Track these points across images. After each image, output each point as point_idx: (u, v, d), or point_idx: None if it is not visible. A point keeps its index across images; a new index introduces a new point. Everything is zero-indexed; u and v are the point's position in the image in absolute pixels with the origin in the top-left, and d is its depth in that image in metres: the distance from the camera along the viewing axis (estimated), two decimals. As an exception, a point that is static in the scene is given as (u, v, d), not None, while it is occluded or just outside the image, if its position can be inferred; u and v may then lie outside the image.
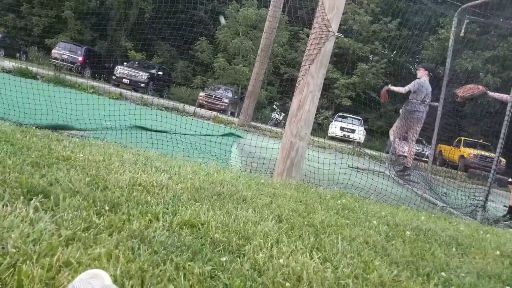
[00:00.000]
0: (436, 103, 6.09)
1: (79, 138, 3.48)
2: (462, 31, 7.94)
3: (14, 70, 9.87)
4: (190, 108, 12.23)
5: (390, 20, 25.08)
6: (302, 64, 4.30)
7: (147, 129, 5.51)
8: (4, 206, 1.52)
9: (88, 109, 5.46)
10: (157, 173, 2.57)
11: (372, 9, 25.75)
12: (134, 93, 12.71)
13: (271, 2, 11.27)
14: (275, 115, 20.53)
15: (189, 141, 5.36)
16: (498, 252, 2.43)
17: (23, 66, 10.17)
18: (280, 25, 21.27)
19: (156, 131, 5.52)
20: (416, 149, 16.61)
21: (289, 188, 3.14)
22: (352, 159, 7.44)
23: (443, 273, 1.83)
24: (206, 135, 6.41)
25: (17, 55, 20.29)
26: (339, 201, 2.96)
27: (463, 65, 19.57)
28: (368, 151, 12.58)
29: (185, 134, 5.92)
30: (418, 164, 7.24)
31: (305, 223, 2.19)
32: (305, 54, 4.30)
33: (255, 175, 3.69)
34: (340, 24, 4.32)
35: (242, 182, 2.99)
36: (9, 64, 10.57)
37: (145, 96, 12.02)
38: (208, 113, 12.55)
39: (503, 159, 13.63)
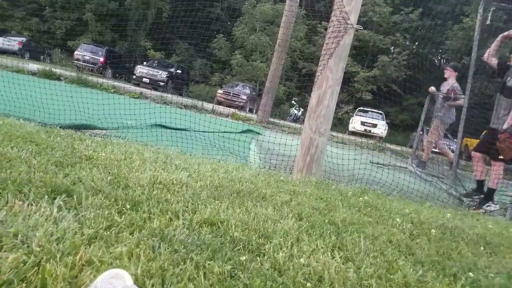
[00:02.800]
0: (462, 96, 5.91)
1: (101, 137, 3.54)
2: (489, 19, 7.65)
3: (39, 72, 10.16)
4: (208, 106, 12.30)
5: (411, 10, 24.46)
6: (320, 59, 4.23)
7: (167, 127, 5.57)
8: (29, 205, 1.55)
9: (110, 109, 5.56)
10: (177, 171, 2.59)
11: (392, -1, 25.21)
12: (154, 92, 12.87)
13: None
14: (293, 110, 20.41)
15: (208, 138, 5.38)
16: (529, 251, 2.33)
17: (47, 68, 10.45)
18: (297, 19, 21.08)
19: (175, 129, 5.57)
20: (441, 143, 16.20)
21: (309, 185, 3.10)
22: (373, 154, 7.31)
23: (470, 273, 1.77)
24: (224, 132, 6.43)
25: (42, 57, 20.86)
26: (360, 198, 2.90)
27: (489, 55, 18.85)
28: (390, 146, 12.35)
29: (204, 131, 5.95)
30: (443, 158, 7.07)
31: (326, 221, 2.15)
32: (323, 48, 4.23)
33: (274, 172, 3.67)
34: (360, 16, 4.22)
35: (261, 179, 2.97)
36: (34, 66, 10.89)
37: (165, 95, 12.16)
38: (226, 110, 12.59)
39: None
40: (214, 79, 25.05)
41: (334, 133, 10.65)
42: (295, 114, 20.00)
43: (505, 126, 4.04)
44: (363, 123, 18.77)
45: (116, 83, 12.06)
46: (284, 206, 2.31)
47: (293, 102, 21.04)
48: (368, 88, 23.68)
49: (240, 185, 2.58)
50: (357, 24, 4.03)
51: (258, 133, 7.81)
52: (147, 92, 12.04)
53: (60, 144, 2.55)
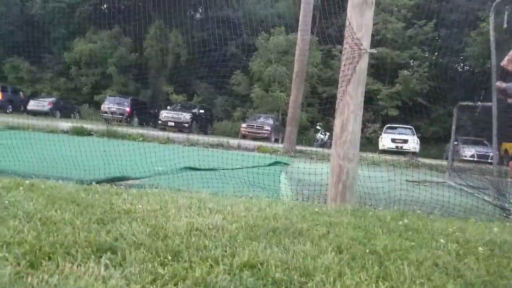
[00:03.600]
0: (488, 103, 5.74)
1: (136, 188, 3.66)
2: (505, 22, 7.53)
3: (71, 130, 10.71)
4: (234, 142, 12.47)
5: (425, 22, 24.40)
6: (339, 86, 4.28)
7: (196, 169, 5.68)
8: (78, 267, 1.62)
9: (141, 157, 5.75)
10: (212, 215, 2.63)
11: (403, 14, 25.24)
12: (180, 135, 13.21)
13: (299, 27, 11.46)
14: (319, 135, 20.32)
15: (237, 175, 5.43)
16: None
17: (78, 125, 11.01)
18: (311, 46, 21.43)
19: (205, 169, 5.67)
20: (478, 151, 15.54)
21: (345, 215, 3.06)
22: (407, 173, 7.11)
23: (528, 292, 1.68)
24: (253, 167, 6.48)
25: (71, 115, 21.91)
26: (400, 222, 2.83)
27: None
28: (425, 160, 11.98)
29: (232, 169, 6.02)
30: (484, 168, 6.76)
31: (367, 251, 2.11)
32: (340, 75, 4.29)
33: (308, 204, 3.65)
34: (373, 35, 4.27)
35: (295, 213, 2.96)
36: (65, 125, 11.50)
37: (191, 137, 12.46)
38: (252, 144, 12.71)
39: None
40: (236, 114, 25.52)
41: (364, 154, 10.43)
42: (322, 139, 19.89)
43: None
44: (393, 140, 18.37)
45: (144, 131, 12.50)
46: (322, 240, 2.29)
47: (317, 127, 20.99)
48: (393, 104, 23.43)
49: (275, 222, 2.59)
50: (371, 43, 4.08)
51: (287, 164, 7.81)
52: (174, 136, 12.38)
53: (99, 201, 2.66)
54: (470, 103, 6.33)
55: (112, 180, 4.12)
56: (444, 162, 11.06)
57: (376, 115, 24.06)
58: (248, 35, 26.09)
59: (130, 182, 4.31)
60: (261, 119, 20.66)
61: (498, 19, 7.21)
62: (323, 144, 19.11)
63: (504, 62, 4.96)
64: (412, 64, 25.02)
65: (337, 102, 4.28)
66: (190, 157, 6.47)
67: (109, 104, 20.57)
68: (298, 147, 12.47)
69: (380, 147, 18.52)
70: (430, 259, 2.04)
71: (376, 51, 4.46)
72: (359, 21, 4.09)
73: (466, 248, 2.31)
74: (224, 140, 12.30)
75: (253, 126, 19.48)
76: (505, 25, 7.53)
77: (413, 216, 3.18)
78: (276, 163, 7.71)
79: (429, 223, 2.91)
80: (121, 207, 2.55)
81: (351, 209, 3.33)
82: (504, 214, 4.05)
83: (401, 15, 25.16)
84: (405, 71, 23.60)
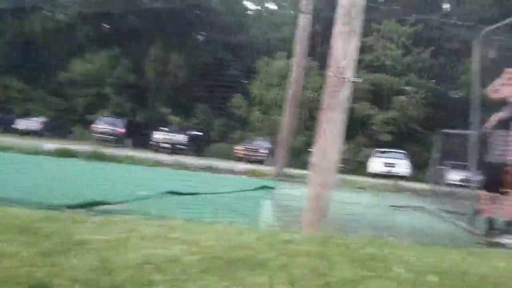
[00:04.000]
0: (466, 131, 5.76)
1: (108, 214, 3.59)
2: (491, 53, 7.68)
3: (56, 151, 10.32)
4: (226, 165, 12.39)
5: (422, 49, 24.81)
6: (320, 113, 4.29)
7: (178, 194, 5.60)
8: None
9: (123, 181, 5.70)
10: (175, 245, 2.55)
11: (402, 42, 25.57)
12: (170, 157, 12.98)
13: (296, 52, 11.65)
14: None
15: (219, 200, 5.37)
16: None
17: (64, 147, 10.66)
18: (311, 71, 21.62)
19: (186, 194, 5.59)
20: (462, 176, 15.28)
21: (315, 243, 2.99)
22: (391, 197, 7.02)
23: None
24: (237, 191, 6.40)
25: (62, 135, 21.43)
26: (365, 250, 2.77)
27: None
28: (412, 184, 11.91)
29: (215, 193, 5.94)
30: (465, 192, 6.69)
31: (321, 283, 2.05)
32: (323, 102, 4.30)
33: (283, 231, 3.57)
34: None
35: (264, 242, 2.89)
36: (52, 146, 11.17)
37: (181, 159, 12.33)
38: (242, 167, 12.63)
39: None
40: (234, 136, 25.51)
41: (353, 177, 10.38)
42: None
43: None
44: (383, 164, 18.36)
45: (134, 153, 12.41)
46: (281, 271, 2.22)
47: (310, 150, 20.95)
48: (388, 130, 23.51)
49: (240, 252, 2.52)
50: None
51: (272, 188, 7.73)
52: (163, 158, 12.23)
53: (57, 230, 2.59)
54: (451, 131, 6.35)
55: (86, 206, 4.05)
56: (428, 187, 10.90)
57: (369, 140, 24.08)
58: (249, 58, 26.43)
59: (105, 207, 4.23)
60: (257, 142, 20.72)
61: (484, 51, 7.34)
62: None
63: (490, 89, 4.99)
64: (409, 90, 25.23)
65: (318, 128, 4.29)
66: (176, 181, 6.42)
67: (101, 125, 20.50)
68: (290, 171, 12.31)
69: (369, 170, 18.51)
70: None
71: (360, 80, 4.49)
72: (344, 49, 4.12)
73: (418, 277, 2.25)
74: (214, 163, 12.24)
75: (249, 148, 19.50)
76: (493, 56, 7.66)
77: (383, 243, 3.12)
78: (261, 187, 7.60)
79: (397, 251, 2.85)
80: (78, 237, 2.49)
81: (323, 236, 3.27)
82: (479, 241, 4.00)
83: (400, 42, 25.52)
84: (402, 97, 23.80)
